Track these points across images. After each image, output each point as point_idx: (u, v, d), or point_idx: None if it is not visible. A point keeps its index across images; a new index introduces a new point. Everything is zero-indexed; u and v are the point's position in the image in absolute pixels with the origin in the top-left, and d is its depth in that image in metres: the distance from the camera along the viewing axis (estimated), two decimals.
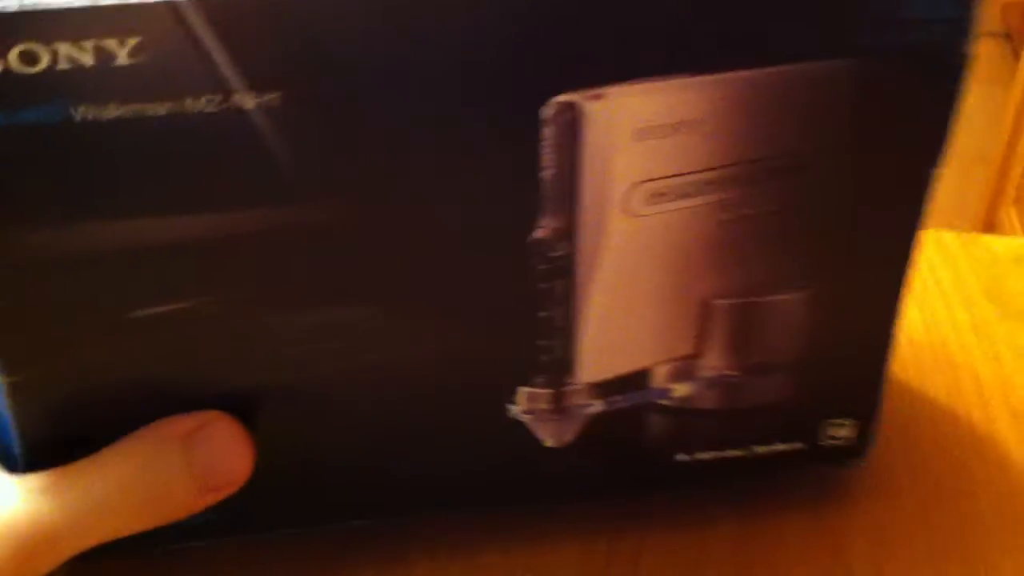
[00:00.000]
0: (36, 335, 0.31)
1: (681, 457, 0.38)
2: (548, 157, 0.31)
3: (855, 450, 0.39)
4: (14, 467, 0.33)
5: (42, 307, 0.30)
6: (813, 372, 0.37)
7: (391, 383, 0.34)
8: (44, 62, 0.27)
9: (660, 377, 0.36)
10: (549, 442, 0.36)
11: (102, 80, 0.28)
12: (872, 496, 0.40)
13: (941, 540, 0.39)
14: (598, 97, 0.30)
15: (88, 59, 0.27)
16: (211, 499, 0.33)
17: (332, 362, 0.33)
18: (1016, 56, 1.90)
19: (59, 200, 0.29)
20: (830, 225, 0.34)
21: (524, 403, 0.35)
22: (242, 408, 0.33)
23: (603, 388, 0.36)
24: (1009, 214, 1.56)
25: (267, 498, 0.35)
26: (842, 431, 0.38)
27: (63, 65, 0.27)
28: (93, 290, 0.30)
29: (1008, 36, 2.40)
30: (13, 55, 0.27)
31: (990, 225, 1.60)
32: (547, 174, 0.31)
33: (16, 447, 0.32)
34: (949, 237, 0.53)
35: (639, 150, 0.31)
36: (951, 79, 0.31)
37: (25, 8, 0.26)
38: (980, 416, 0.44)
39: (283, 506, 0.36)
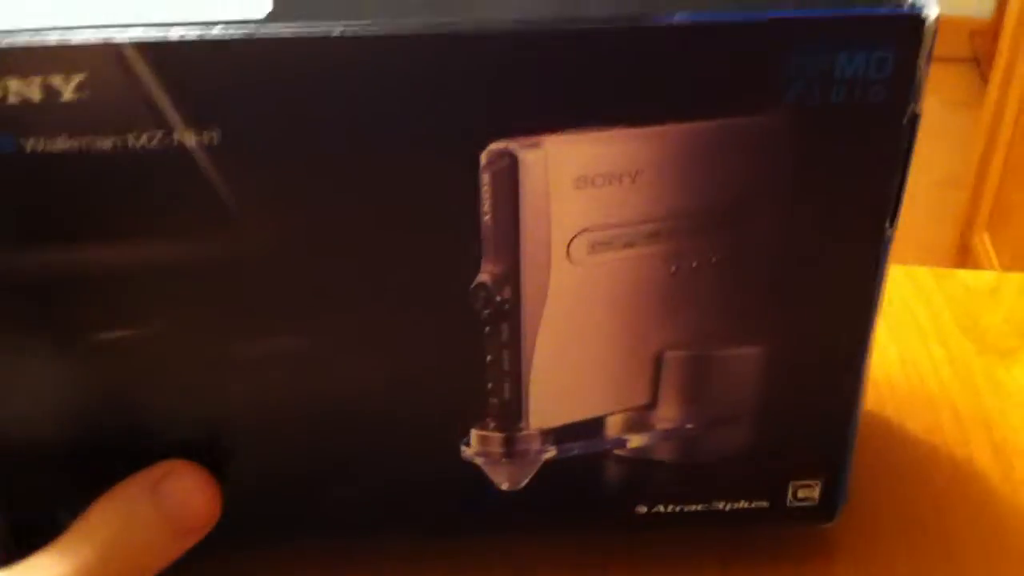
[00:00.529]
0: None
1: (641, 509, 0.38)
2: (487, 203, 0.31)
3: (822, 511, 0.38)
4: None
5: None
6: (774, 429, 0.36)
7: (339, 413, 0.35)
8: None
9: (615, 427, 0.36)
10: (504, 485, 0.36)
11: (50, 114, 0.29)
12: (855, 535, 0.40)
13: None
14: (535, 145, 0.31)
15: (36, 94, 0.29)
16: (189, 542, 0.34)
17: (276, 391, 0.34)
18: (985, 81, 1.86)
19: (9, 227, 0.31)
20: (781, 279, 0.33)
21: (476, 445, 0.36)
22: (186, 434, 0.34)
23: (556, 435, 0.36)
24: (983, 239, 1.54)
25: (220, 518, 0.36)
26: (808, 491, 0.38)
27: (12, 100, 0.29)
28: (42, 314, 0.32)
29: (976, 61, 2.37)
30: None
31: (964, 249, 1.57)
32: (487, 219, 0.32)
33: None
34: (922, 273, 0.52)
35: (579, 198, 0.32)
36: (894, 138, 0.31)
37: None
38: (961, 452, 0.43)
39: (229, 527, 0.37)
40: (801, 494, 0.38)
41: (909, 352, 0.48)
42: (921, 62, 0.30)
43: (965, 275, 0.54)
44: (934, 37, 0.30)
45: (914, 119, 0.31)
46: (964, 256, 1.56)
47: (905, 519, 0.41)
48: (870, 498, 0.40)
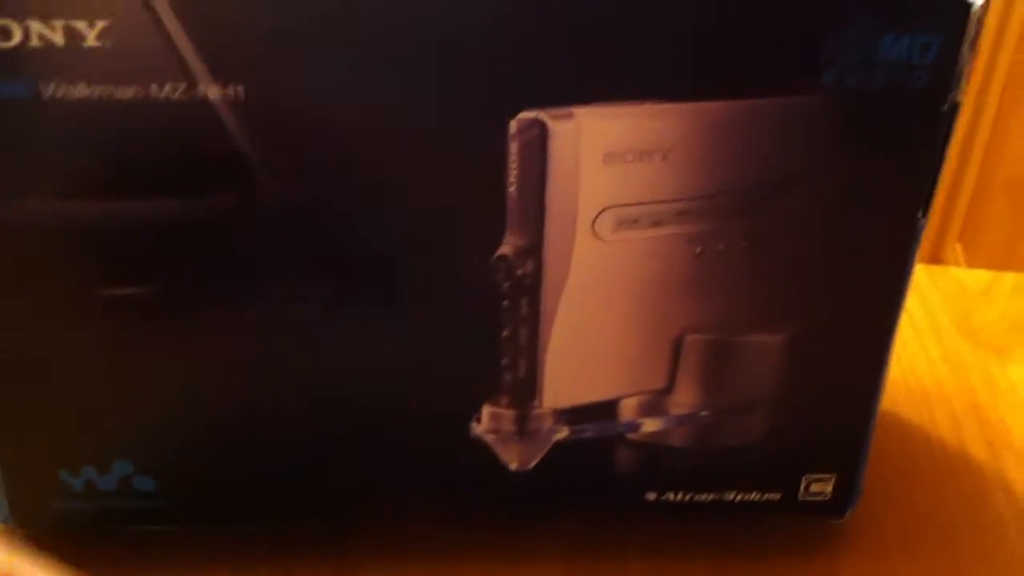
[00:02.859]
0: (0, 303, 0.32)
1: (651, 495, 0.37)
2: (513, 173, 0.31)
3: (834, 507, 0.37)
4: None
5: (5, 277, 0.31)
6: (791, 420, 0.36)
7: (349, 384, 0.34)
8: (16, 38, 0.28)
9: (629, 410, 0.35)
10: (513, 465, 0.36)
11: (71, 60, 0.28)
12: (851, 529, 0.39)
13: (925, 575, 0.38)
14: (566, 116, 0.30)
15: (58, 38, 0.28)
16: None
17: (284, 360, 0.33)
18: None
19: (25, 174, 0.30)
20: (808, 266, 0.33)
21: (487, 422, 0.35)
22: (193, 399, 0.34)
23: (569, 415, 0.35)
24: (955, 249, 1.54)
25: (222, 491, 0.35)
26: (822, 486, 0.37)
27: (34, 42, 0.28)
28: (56, 265, 0.31)
29: None
30: None
31: (936, 259, 1.57)
32: (512, 190, 0.31)
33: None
34: (917, 270, 0.52)
35: (608, 174, 0.31)
36: (933, 125, 0.30)
37: None
38: (956, 448, 0.43)
39: (237, 500, 0.36)
40: (814, 488, 0.37)
41: (904, 349, 0.48)
42: (965, 49, 0.29)
43: (959, 273, 0.54)
44: (979, 25, 0.29)
45: (954, 107, 0.30)
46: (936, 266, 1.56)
47: (900, 514, 0.40)
48: (867, 492, 0.40)
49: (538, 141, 0.30)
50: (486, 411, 0.35)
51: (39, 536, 0.37)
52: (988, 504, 0.41)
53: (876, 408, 0.36)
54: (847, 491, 0.37)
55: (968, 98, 1.50)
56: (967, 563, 0.38)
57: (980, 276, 0.53)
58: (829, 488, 0.37)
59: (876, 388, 0.35)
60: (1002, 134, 1.42)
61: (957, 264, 1.53)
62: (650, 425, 0.36)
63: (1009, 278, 0.53)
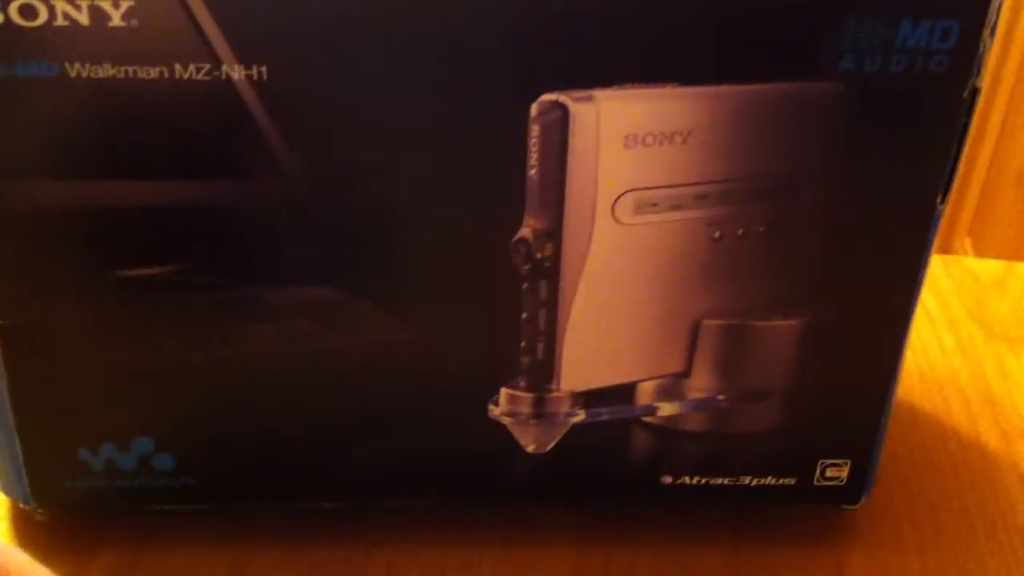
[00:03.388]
0: (22, 281, 0.32)
1: (666, 479, 0.37)
2: (534, 156, 0.31)
3: (849, 493, 0.38)
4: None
5: (28, 255, 0.31)
6: (807, 405, 0.36)
7: (365, 367, 0.34)
8: (42, 17, 0.28)
9: (646, 394, 0.35)
10: (530, 447, 0.36)
11: (96, 40, 0.29)
12: (864, 517, 0.40)
13: (937, 564, 0.38)
14: (587, 99, 0.30)
15: (83, 18, 0.28)
16: None
17: (304, 340, 0.33)
18: None
19: (49, 153, 0.30)
20: (826, 251, 0.33)
21: (505, 405, 0.35)
22: (213, 379, 0.34)
23: (586, 398, 0.35)
24: (964, 243, 1.54)
25: (240, 470, 0.36)
26: (837, 471, 0.37)
27: (60, 22, 0.28)
28: (77, 244, 0.31)
29: None
30: (13, 8, 0.28)
31: (946, 251, 1.57)
32: (532, 173, 0.31)
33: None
34: (931, 260, 0.52)
35: (628, 157, 0.31)
36: (953, 110, 0.30)
37: None
38: (970, 437, 0.43)
39: (256, 478, 0.36)
40: (829, 473, 0.37)
41: (918, 338, 0.48)
42: (986, 34, 0.29)
43: (973, 263, 0.54)
44: (999, 9, 0.29)
45: (974, 93, 0.30)
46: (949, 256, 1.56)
47: (914, 503, 0.40)
48: (879, 481, 0.40)
49: (559, 124, 0.30)
50: (504, 394, 0.35)
51: (58, 516, 0.37)
52: (1001, 493, 0.41)
53: (892, 394, 0.36)
54: (862, 477, 0.37)
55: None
56: (979, 552, 0.39)
57: (994, 266, 0.53)
58: (844, 474, 0.37)
59: (892, 374, 0.35)
60: (1012, 128, 1.42)
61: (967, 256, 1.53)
62: (667, 409, 0.36)
63: (1023, 268, 0.53)
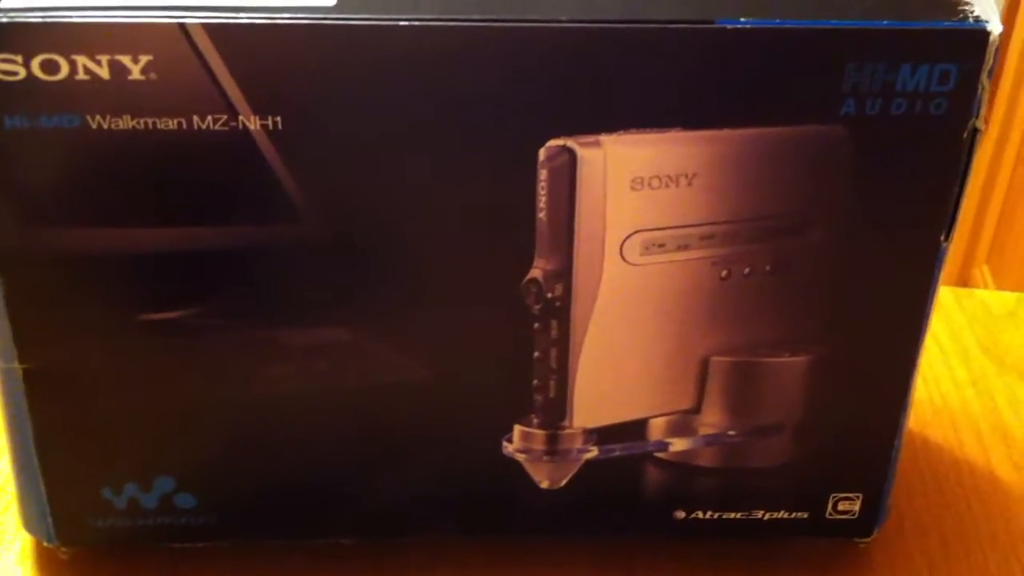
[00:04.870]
0: (47, 325, 0.33)
1: (679, 514, 0.38)
2: (543, 199, 0.32)
3: (861, 527, 0.38)
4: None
5: (53, 299, 0.32)
6: (818, 440, 0.36)
7: (380, 405, 0.35)
8: (64, 72, 0.29)
9: (658, 430, 0.36)
10: (544, 484, 0.37)
11: (117, 93, 0.29)
12: (877, 549, 0.40)
13: None
14: (593, 143, 0.31)
15: (104, 72, 0.29)
16: None
17: (320, 380, 0.34)
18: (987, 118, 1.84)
19: (73, 201, 0.31)
20: (833, 289, 0.33)
21: (518, 441, 0.36)
22: (232, 419, 0.35)
23: (598, 435, 0.36)
24: (983, 271, 1.53)
25: (260, 508, 0.36)
26: (849, 505, 0.38)
27: (81, 76, 0.29)
28: (100, 289, 0.32)
29: None
30: (36, 63, 0.29)
31: (963, 282, 1.56)
32: (542, 216, 0.32)
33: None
34: (943, 292, 0.52)
35: (635, 199, 0.32)
36: (954, 151, 0.31)
37: (48, 20, 0.29)
38: (983, 471, 0.43)
39: (275, 516, 0.37)
40: (841, 507, 0.38)
41: (931, 370, 0.49)
42: (984, 76, 0.30)
43: (985, 295, 0.54)
44: (997, 52, 0.30)
45: (974, 133, 0.31)
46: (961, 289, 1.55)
47: (927, 535, 0.41)
48: (893, 513, 0.40)
49: (567, 168, 0.31)
50: (517, 431, 0.36)
51: (81, 554, 0.38)
52: (1014, 525, 0.41)
53: (902, 428, 0.36)
54: (874, 510, 0.38)
55: (994, 120, 1.50)
56: None
57: (1006, 298, 0.54)
58: (856, 507, 0.38)
59: (902, 408, 0.36)
60: None
61: (985, 286, 1.53)
62: (678, 445, 0.36)
63: None
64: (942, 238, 0.32)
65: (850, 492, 0.37)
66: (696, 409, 0.36)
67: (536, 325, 0.33)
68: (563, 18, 0.29)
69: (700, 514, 0.38)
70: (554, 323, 0.34)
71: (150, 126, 0.30)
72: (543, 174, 0.31)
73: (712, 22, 0.29)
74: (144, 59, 0.29)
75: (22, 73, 0.29)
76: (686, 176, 0.31)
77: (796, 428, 0.36)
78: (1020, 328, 0.51)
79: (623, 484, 0.37)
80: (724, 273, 0.33)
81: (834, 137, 0.30)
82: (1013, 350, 0.50)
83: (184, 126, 0.30)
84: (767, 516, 0.38)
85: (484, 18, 0.29)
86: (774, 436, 0.36)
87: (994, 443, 0.45)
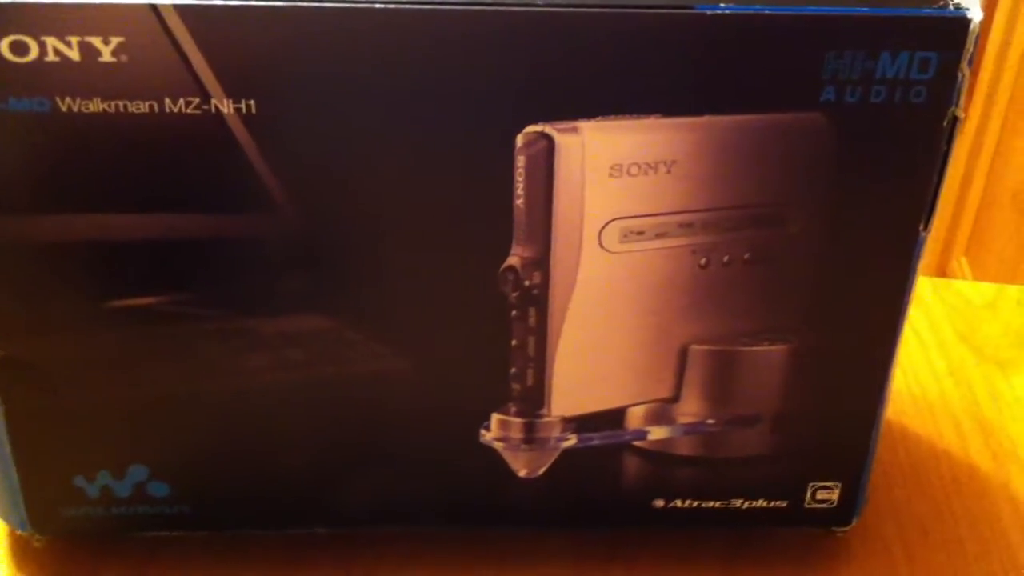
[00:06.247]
0: (18, 313, 0.32)
1: (658, 503, 0.37)
2: (520, 186, 0.31)
3: (840, 516, 0.38)
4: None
5: (23, 287, 0.32)
6: (796, 429, 0.36)
7: (357, 395, 0.34)
8: (33, 53, 0.29)
9: (636, 418, 0.36)
10: (521, 472, 0.36)
11: (87, 75, 0.29)
12: (855, 539, 0.40)
13: None
14: (572, 130, 0.31)
15: (74, 54, 0.29)
16: None
17: (296, 370, 0.34)
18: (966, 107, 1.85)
19: (41, 187, 0.30)
20: (812, 278, 0.33)
21: (496, 430, 0.35)
22: (207, 408, 0.34)
23: (577, 423, 0.35)
24: (961, 263, 1.54)
25: (235, 497, 0.36)
26: (827, 494, 0.37)
27: (51, 58, 0.29)
28: (71, 276, 0.32)
29: None
30: (4, 44, 0.28)
31: (942, 272, 1.57)
32: (519, 203, 0.32)
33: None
34: (921, 283, 0.52)
35: (613, 186, 0.31)
36: (933, 139, 0.31)
37: (17, 0, 0.28)
38: (961, 460, 0.43)
39: (250, 505, 0.37)
40: (820, 496, 0.37)
41: (909, 361, 0.49)
42: (964, 64, 0.30)
43: (964, 286, 0.54)
44: (977, 39, 0.30)
45: (954, 121, 0.30)
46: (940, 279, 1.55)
47: (905, 525, 0.41)
48: (871, 504, 0.40)
49: (544, 154, 0.31)
50: (495, 419, 0.35)
51: (55, 542, 0.38)
52: (992, 514, 0.41)
53: (880, 417, 0.36)
54: (852, 500, 0.38)
55: (973, 112, 1.51)
56: (971, 574, 0.39)
57: (985, 289, 0.54)
58: (835, 496, 0.37)
59: (880, 397, 0.36)
60: (1007, 148, 1.42)
61: (963, 278, 1.53)
62: (657, 433, 0.36)
63: (1013, 291, 0.53)
64: (921, 227, 0.32)
65: (829, 481, 0.37)
66: (675, 398, 0.35)
67: (514, 313, 0.33)
68: (540, 3, 0.29)
69: (679, 503, 0.37)
70: (532, 311, 0.33)
71: (121, 109, 0.29)
72: (520, 160, 0.31)
73: (691, 8, 0.29)
74: (115, 41, 0.29)
75: None
76: (665, 163, 0.31)
77: (774, 417, 0.36)
78: (998, 319, 0.51)
79: (602, 473, 0.37)
80: (703, 261, 0.33)
81: (813, 125, 0.30)
82: (991, 340, 0.50)
83: (156, 109, 0.30)
84: (746, 505, 0.38)
85: (461, 2, 0.29)
86: (753, 425, 0.36)
87: (972, 433, 0.45)
